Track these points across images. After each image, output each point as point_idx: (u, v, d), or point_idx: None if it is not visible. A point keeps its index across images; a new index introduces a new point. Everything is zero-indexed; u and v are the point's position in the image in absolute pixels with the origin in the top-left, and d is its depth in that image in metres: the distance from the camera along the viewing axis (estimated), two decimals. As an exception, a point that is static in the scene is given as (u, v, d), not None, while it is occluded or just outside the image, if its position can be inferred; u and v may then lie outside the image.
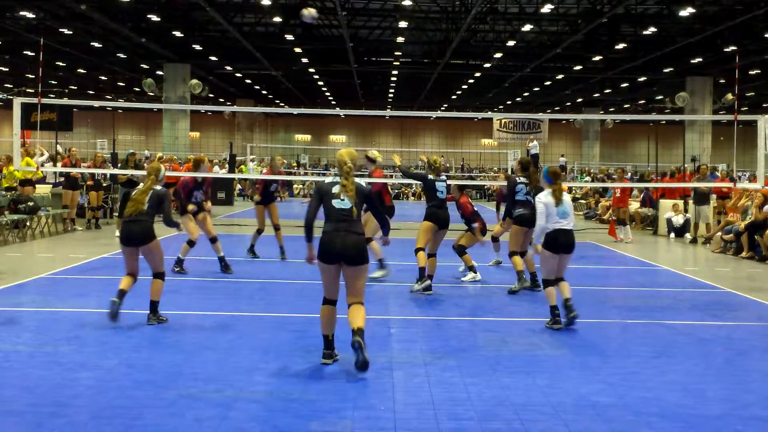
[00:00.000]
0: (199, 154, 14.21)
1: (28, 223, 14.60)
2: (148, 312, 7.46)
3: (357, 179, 6.29)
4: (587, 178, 32.86)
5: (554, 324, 7.63)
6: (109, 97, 47.14)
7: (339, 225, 6.03)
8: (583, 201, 27.12)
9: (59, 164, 17.27)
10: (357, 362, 5.81)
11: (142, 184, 7.82)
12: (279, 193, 13.43)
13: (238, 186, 31.61)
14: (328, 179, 6.29)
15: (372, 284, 9.74)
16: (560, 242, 7.74)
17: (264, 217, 12.50)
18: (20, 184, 15.42)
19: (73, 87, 46.22)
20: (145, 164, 17.18)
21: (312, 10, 16.44)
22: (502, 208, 12.16)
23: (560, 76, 36.15)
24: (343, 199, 6.08)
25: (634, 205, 21.16)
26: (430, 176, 9.78)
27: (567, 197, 8.00)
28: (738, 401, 5.46)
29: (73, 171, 16.06)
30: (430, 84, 40.01)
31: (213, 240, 11.04)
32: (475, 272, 10.64)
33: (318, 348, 6.30)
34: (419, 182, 11.11)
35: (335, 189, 6.12)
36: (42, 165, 17.33)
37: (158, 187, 7.71)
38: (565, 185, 9.82)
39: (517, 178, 10.03)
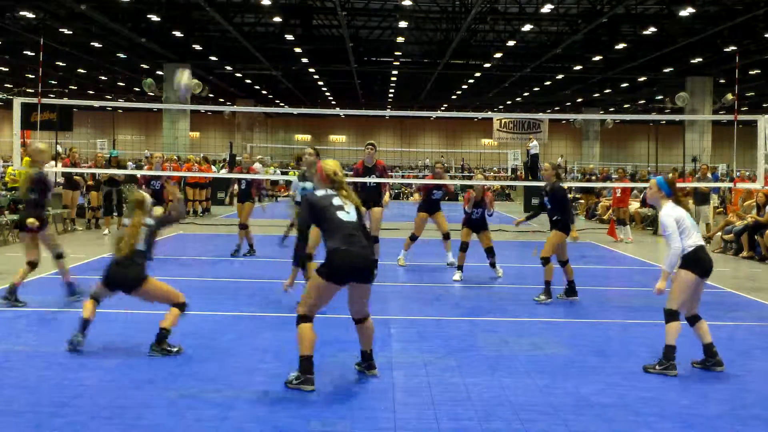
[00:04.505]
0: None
1: (28, 223, 14.58)
2: None
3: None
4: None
5: None
6: (109, 97, 47.22)
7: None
8: (582, 201, 27.06)
9: (59, 164, 17.25)
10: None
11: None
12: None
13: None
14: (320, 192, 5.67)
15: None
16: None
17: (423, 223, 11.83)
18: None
19: (73, 87, 46.21)
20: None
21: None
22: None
23: (560, 76, 36.16)
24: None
25: (634, 205, 21.14)
26: None
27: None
28: (738, 401, 5.46)
29: (74, 171, 16.11)
30: (430, 84, 40.01)
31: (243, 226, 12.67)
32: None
33: (317, 347, 6.26)
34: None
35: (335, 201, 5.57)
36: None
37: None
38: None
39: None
